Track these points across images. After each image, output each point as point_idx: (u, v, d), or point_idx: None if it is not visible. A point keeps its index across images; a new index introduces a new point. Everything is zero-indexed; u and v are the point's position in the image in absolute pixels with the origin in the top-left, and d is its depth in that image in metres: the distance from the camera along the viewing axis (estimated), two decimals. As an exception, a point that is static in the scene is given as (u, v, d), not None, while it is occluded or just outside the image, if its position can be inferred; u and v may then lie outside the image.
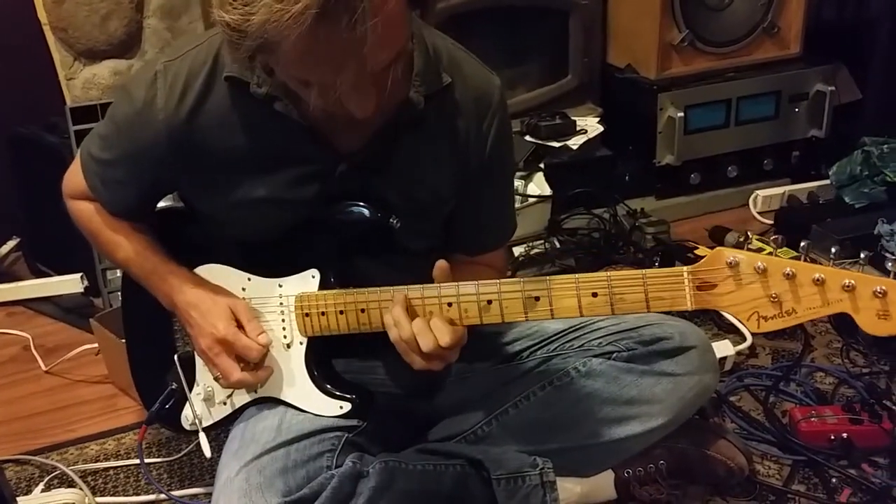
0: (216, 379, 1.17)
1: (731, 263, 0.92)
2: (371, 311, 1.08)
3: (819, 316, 0.90)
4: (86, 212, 1.23)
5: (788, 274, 0.89)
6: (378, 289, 1.08)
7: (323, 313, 1.11)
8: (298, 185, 1.11)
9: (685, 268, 0.95)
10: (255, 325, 1.13)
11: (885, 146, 2.18)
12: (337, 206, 1.12)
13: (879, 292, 0.86)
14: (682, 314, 1.83)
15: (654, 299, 0.96)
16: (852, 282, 0.86)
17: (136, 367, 1.35)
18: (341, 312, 1.10)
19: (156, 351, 1.26)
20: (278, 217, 1.13)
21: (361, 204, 1.11)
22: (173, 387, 1.22)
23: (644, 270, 0.97)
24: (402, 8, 0.87)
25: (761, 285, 0.91)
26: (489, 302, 1.04)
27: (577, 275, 1.01)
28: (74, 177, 1.22)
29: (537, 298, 1.02)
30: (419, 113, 1.07)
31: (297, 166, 1.10)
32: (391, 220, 1.11)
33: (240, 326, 1.13)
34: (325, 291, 1.12)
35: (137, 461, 1.53)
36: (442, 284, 1.06)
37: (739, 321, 0.94)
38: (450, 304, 1.05)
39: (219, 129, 1.08)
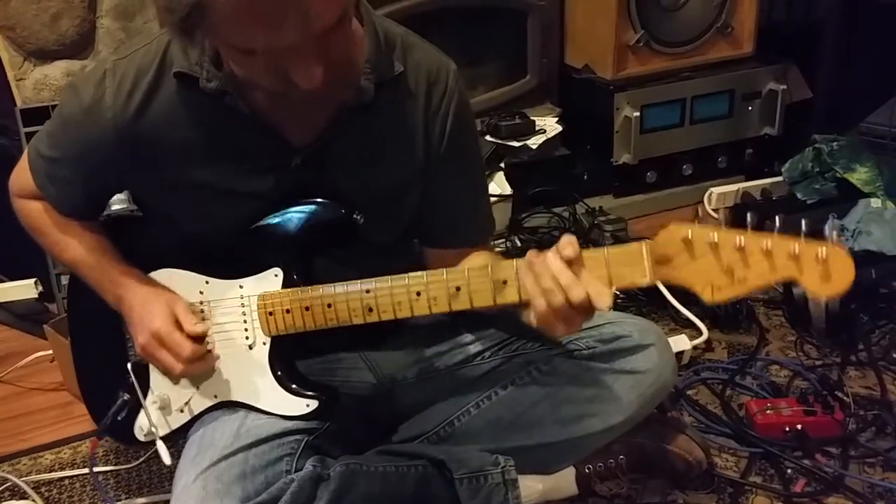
0: (165, 374, 1.15)
1: (685, 239, 0.96)
2: (338, 306, 1.08)
3: (768, 282, 0.95)
4: (34, 210, 1.20)
5: (738, 245, 0.94)
6: (345, 283, 1.09)
7: (288, 311, 1.11)
8: (253, 179, 1.10)
9: (643, 242, 1.00)
10: (190, 319, 1.11)
11: (835, 143, 2.23)
12: (299, 202, 1.11)
13: (821, 258, 0.91)
14: (640, 310, 1.87)
15: (615, 275, 1.00)
16: (797, 249, 0.92)
17: (85, 378, 1.31)
18: (307, 309, 1.10)
19: (106, 360, 1.23)
20: (235, 213, 1.12)
21: (324, 201, 1.11)
22: (126, 397, 1.18)
23: (605, 248, 1.01)
24: None
25: (714, 257, 0.95)
26: (458, 289, 1.05)
27: (527, 257, 1.02)
28: (22, 174, 1.20)
29: (505, 282, 1.03)
30: (371, 101, 1.07)
31: (251, 161, 1.09)
32: (355, 215, 1.10)
33: (179, 324, 1.11)
34: (288, 289, 1.11)
35: (94, 470, 1.50)
36: (409, 274, 1.06)
37: (695, 292, 0.98)
38: (418, 294, 1.06)
39: (168, 126, 1.07)
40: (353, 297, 1.08)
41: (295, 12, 0.83)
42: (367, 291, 1.07)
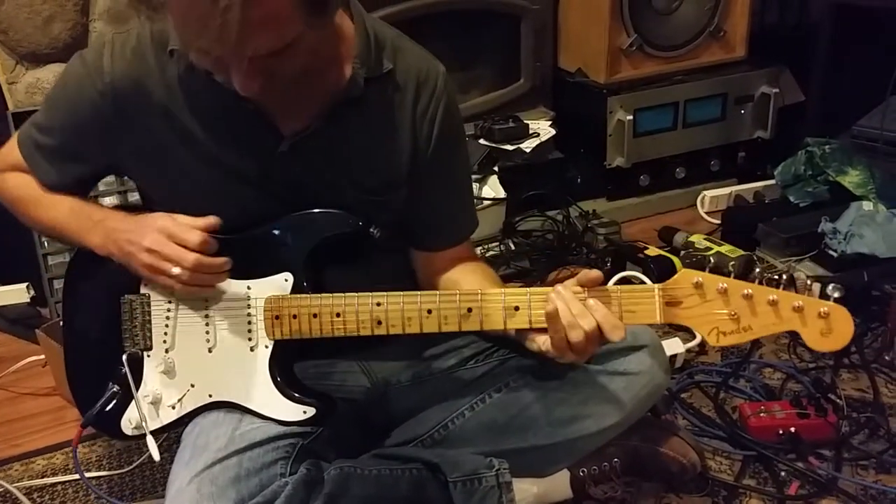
0: (174, 276, 1.08)
1: (696, 284, 1.02)
2: (347, 316, 1.10)
3: (772, 332, 1.01)
4: (18, 180, 1.21)
5: (746, 295, 1.00)
6: (356, 294, 1.10)
7: (295, 316, 1.11)
8: (241, 161, 1.12)
9: (657, 285, 1.04)
10: (192, 219, 1.10)
11: (827, 146, 2.24)
12: (317, 210, 1.13)
13: (823, 314, 0.98)
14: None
15: (626, 313, 1.04)
16: (801, 303, 0.99)
17: (75, 371, 1.28)
18: (315, 316, 1.11)
19: (98, 353, 1.22)
20: (223, 194, 1.13)
21: (341, 212, 1.13)
22: (115, 389, 1.18)
23: (619, 287, 1.05)
24: (289, 4, 0.88)
25: (723, 303, 1.01)
26: (469, 310, 1.08)
27: (555, 287, 1.06)
28: (8, 150, 1.22)
29: (517, 308, 1.07)
30: (360, 95, 1.09)
31: (240, 142, 1.11)
32: (372, 229, 1.13)
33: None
34: (297, 295, 1.12)
35: (86, 475, 1.49)
36: (421, 292, 1.09)
37: (701, 334, 1.04)
38: (429, 312, 1.08)
39: (165, 100, 1.10)
40: (363, 309, 1.09)
41: (220, 29, 0.85)
42: (378, 304, 1.09)
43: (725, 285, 1.01)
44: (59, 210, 1.19)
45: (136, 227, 1.11)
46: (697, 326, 1.03)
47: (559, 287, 1.04)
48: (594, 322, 1.01)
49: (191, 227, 1.08)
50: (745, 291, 1.00)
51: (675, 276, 1.03)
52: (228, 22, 0.84)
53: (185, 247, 1.07)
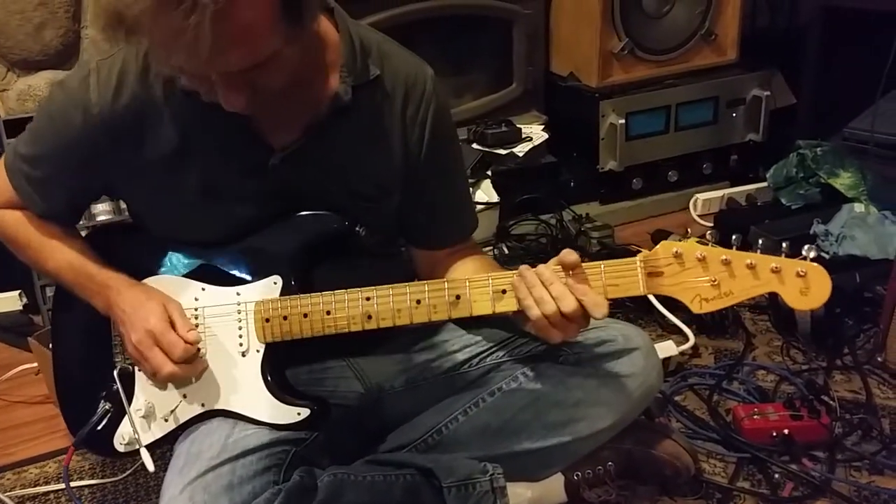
0: (152, 376, 1.14)
1: (675, 254, 1.05)
2: (338, 313, 1.10)
3: (752, 295, 1.04)
4: (12, 220, 1.20)
5: (725, 260, 1.03)
6: (345, 290, 1.11)
7: (285, 318, 1.12)
8: (234, 179, 1.12)
9: (637, 257, 1.06)
10: (185, 323, 1.12)
11: (819, 149, 2.25)
12: (302, 214, 1.14)
13: (801, 273, 1.01)
14: (627, 316, 1.87)
15: (610, 286, 1.06)
16: (778, 265, 1.01)
17: (65, 389, 1.28)
18: (305, 316, 1.11)
19: (88, 370, 1.22)
20: (217, 212, 1.13)
21: (327, 213, 1.14)
22: (107, 406, 1.18)
23: (602, 262, 1.07)
24: (264, 18, 0.88)
25: (702, 271, 1.04)
26: (457, 297, 1.09)
27: (520, 268, 1.07)
28: (1, 186, 1.20)
29: (504, 291, 1.08)
30: (348, 104, 1.10)
31: (232, 160, 1.11)
32: (357, 228, 1.13)
33: (172, 325, 1.11)
34: (287, 297, 1.13)
35: (79, 484, 1.48)
36: (409, 283, 1.10)
37: (684, 303, 1.06)
38: (418, 302, 1.09)
39: (153, 122, 1.09)
40: (353, 305, 1.10)
41: (190, 48, 0.85)
42: (368, 299, 1.10)
43: (704, 253, 1.03)
44: (58, 263, 1.19)
45: (133, 310, 1.12)
46: (680, 295, 1.05)
47: (524, 267, 1.06)
48: (573, 300, 1.02)
49: (176, 342, 1.09)
50: (724, 257, 1.02)
51: (656, 248, 1.05)
52: (200, 37, 0.83)
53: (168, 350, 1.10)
